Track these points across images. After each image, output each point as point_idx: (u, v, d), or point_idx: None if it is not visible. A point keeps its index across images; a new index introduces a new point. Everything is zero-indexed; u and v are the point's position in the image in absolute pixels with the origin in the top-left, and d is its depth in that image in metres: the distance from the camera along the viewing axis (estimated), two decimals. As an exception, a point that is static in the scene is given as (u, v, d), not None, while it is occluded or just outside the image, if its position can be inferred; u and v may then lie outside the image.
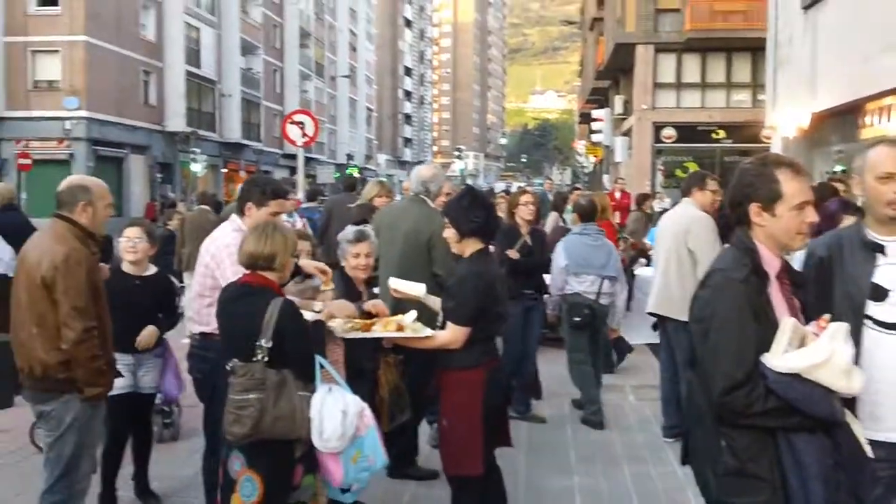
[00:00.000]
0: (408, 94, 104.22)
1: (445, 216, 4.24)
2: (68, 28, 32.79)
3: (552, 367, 7.91)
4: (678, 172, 26.17)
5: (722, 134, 27.10)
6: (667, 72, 27.67)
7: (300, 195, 13.02)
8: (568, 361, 7.29)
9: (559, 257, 7.16)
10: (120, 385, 4.66)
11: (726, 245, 2.88)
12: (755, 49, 22.92)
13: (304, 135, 14.39)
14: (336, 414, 3.50)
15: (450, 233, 4.18)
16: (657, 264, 6.64)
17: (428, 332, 4.10)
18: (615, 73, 32.36)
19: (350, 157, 68.27)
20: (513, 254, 6.85)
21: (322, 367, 3.65)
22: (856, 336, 2.75)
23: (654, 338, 7.48)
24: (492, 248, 4.88)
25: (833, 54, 13.00)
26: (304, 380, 3.56)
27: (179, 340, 6.03)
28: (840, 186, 7.06)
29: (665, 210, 11.12)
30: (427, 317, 4.34)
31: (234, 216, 4.43)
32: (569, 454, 6.23)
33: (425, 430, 6.03)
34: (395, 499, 5.30)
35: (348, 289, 4.68)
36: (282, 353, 3.49)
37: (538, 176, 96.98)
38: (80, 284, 3.84)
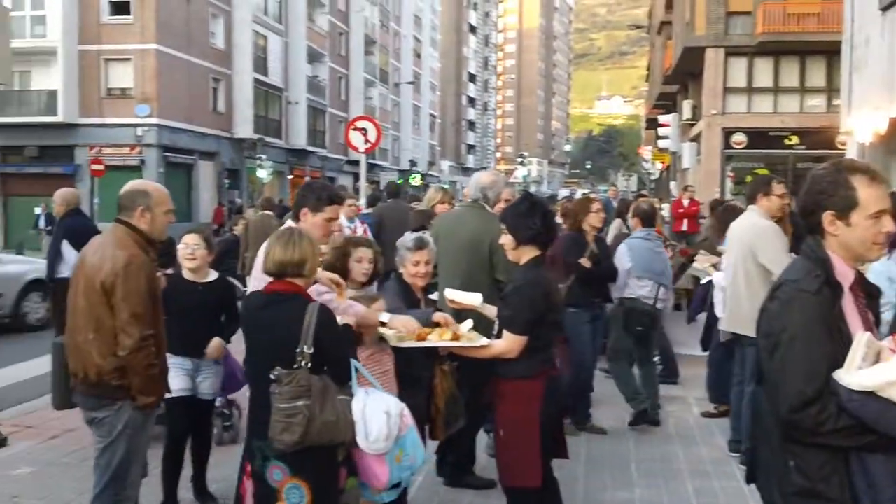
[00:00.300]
0: (471, 100, 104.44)
1: (502, 222, 4.17)
2: (140, 36, 33.64)
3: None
4: (749, 179, 25.63)
5: (795, 140, 26.52)
6: (737, 76, 27.16)
7: (363, 201, 13.05)
8: (610, 361, 7.26)
9: (623, 259, 7.06)
10: (178, 388, 4.69)
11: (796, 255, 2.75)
12: (830, 52, 22.37)
13: (367, 141, 14.42)
14: (380, 415, 3.54)
15: (506, 239, 4.12)
16: (727, 278, 6.39)
17: (484, 340, 4.04)
18: (684, 77, 31.88)
19: (413, 163, 68.67)
20: (585, 262, 6.74)
21: (357, 370, 3.66)
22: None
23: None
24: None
25: (912, 56, 12.56)
26: (340, 384, 3.56)
27: (240, 344, 6.05)
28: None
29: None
30: (485, 326, 4.29)
31: (289, 222, 4.41)
32: (629, 467, 6.09)
33: (483, 439, 5.95)
34: (451, 509, 5.23)
35: (406, 296, 4.64)
36: (321, 358, 3.48)
37: (603, 183, 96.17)
38: (140, 291, 3.80)
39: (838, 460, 2.45)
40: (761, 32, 25.26)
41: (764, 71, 27.04)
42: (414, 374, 4.37)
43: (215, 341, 5.16)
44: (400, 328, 4.03)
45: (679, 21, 31.08)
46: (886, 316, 3.93)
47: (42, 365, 8.00)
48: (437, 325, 4.20)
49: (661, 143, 38.30)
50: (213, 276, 5.30)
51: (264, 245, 3.83)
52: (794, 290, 2.54)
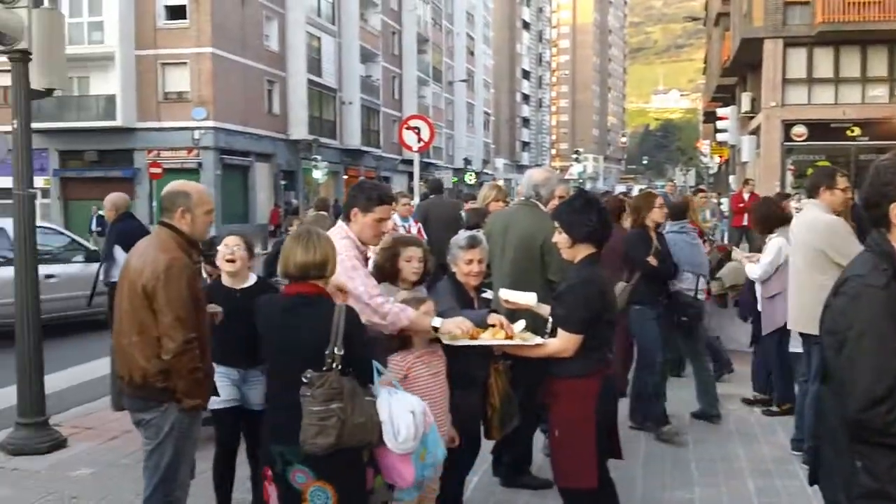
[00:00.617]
0: (525, 97, 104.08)
1: (556, 220, 4.11)
2: (196, 40, 34.16)
3: (671, 378, 7.63)
4: (810, 172, 25.01)
5: (857, 131, 25.81)
6: (797, 67, 26.52)
7: (416, 200, 13.07)
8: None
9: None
10: (226, 397, 4.56)
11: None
12: (892, 41, 21.75)
13: (420, 140, 14.45)
14: (406, 415, 3.56)
15: (561, 238, 4.05)
16: (791, 275, 6.08)
17: (538, 339, 3.99)
18: (742, 69, 31.24)
19: (468, 161, 68.64)
20: (653, 260, 6.62)
21: (378, 371, 3.65)
22: None
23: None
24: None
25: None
26: (363, 385, 3.55)
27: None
28: None
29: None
30: (539, 325, 4.23)
31: (340, 223, 4.32)
32: (689, 466, 5.98)
33: (540, 439, 5.89)
34: (507, 508, 5.19)
35: (459, 295, 4.58)
36: (349, 359, 3.45)
37: (660, 178, 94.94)
38: (181, 294, 3.78)
39: (910, 462, 2.36)
40: (820, 22, 24.65)
41: (824, 61, 26.36)
42: (471, 373, 4.32)
43: None
44: (454, 330, 3.97)
45: (736, 12, 30.48)
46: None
47: (102, 367, 8.17)
48: (492, 326, 4.15)
49: (720, 137, 37.57)
50: (251, 280, 5.00)
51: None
52: (860, 285, 2.46)
